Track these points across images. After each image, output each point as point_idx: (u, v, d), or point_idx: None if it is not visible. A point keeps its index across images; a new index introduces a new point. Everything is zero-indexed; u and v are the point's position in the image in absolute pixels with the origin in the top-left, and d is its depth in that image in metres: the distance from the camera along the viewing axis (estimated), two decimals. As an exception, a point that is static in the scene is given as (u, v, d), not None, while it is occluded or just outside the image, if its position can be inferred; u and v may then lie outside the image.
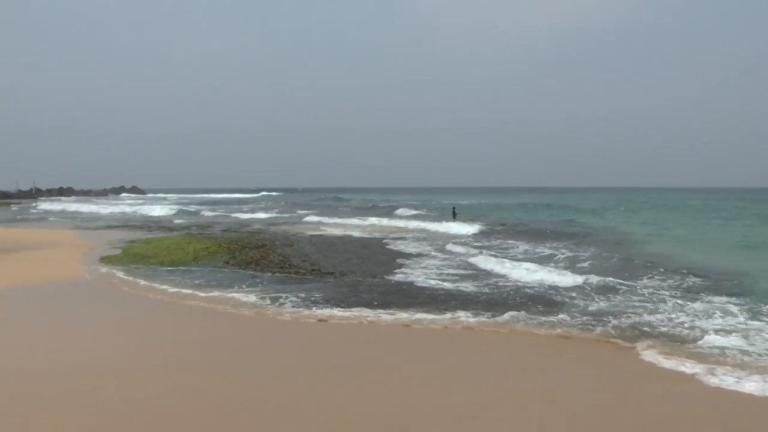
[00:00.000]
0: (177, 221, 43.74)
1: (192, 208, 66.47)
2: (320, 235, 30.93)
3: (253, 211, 58.83)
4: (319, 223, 41.59)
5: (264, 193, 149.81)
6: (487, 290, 15.18)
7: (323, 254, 22.28)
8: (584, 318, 12.06)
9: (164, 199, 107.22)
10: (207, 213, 57.31)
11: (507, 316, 12.15)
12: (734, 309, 12.56)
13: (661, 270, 17.76)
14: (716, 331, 10.82)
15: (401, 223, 39.68)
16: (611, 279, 16.43)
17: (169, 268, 18.70)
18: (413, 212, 54.82)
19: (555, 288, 15.37)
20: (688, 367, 8.83)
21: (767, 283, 15.38)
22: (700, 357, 9.40)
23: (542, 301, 13.83)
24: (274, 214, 53.24)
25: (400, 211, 55.80)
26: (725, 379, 8.31)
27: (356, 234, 32.28)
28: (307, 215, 49.53)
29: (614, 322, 11.72)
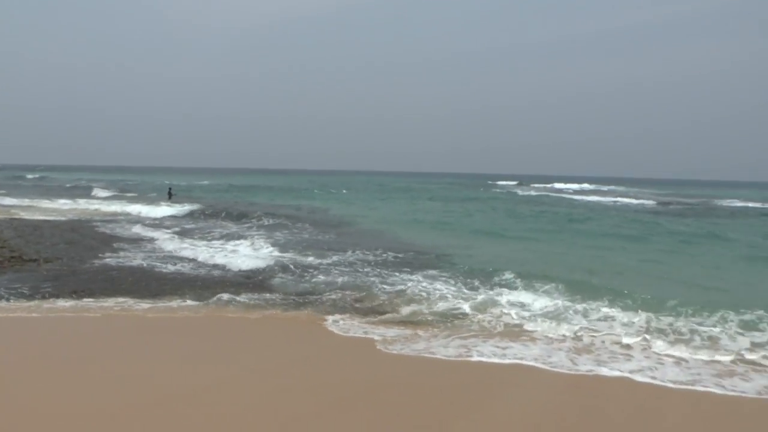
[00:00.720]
0: None
1: None
2: (20, 218, 27.80)
3: None
4: (11, 204, 36.87)
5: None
6: (196, 273, 14.71)
7: (25, 239, 20.01)
8: (288, 296, 12.20)
9: None
10: None
11: (215, 299, 11.84)
12: (431, 280, 13.59)
13: (364, 247, 18.69)
14: (414, 301, 11.65)
15: (112, 206, 37.16)
16: (316, 257, 16.86)
17: None
18: (112, 192, 51.49)
19: (260, 269, 15.30)
20: (380, 336, 9.27)
21: (459, 257, 17.09)
22: (395, 325, 10.04)
23: (248, 282, 13.81)
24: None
25: (98, 192, 51.79)
26: (416, 346, 8.82)
27: (59, 217, 29.35)
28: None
29: (318, 298, 12.04)
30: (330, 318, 10.66)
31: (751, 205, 52.39)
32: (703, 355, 8.82)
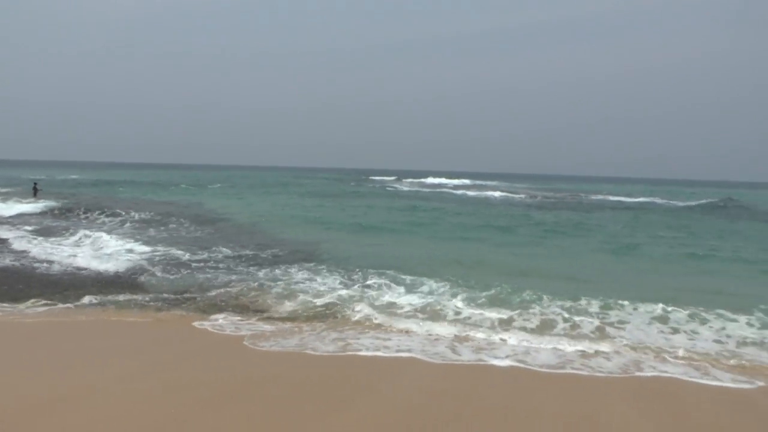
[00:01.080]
0: None
1: None
2: None
3: None
4: None
5: None
6: (63, 274, 13.79)
7: None
8: (160, 295, 11.70)
9: None
10: None
11: (85, 300, 11.12)
12: (307, 275, 13.47)
13: (240, 243, 18.39)
14: (289, 297, 11.48)
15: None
16: (190, 254, 16.30)
17: None
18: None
19: (131, 268, 14.52)
20: (256, 333, 9.07)
21: (334, 252, 17.06)
22: (271, 322, 9.95)
23: (118, 281, 13.09)
24: None
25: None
26: (291, 342, 8.71)
27: None
28: None
29: (192, 296, 11.66)
30: (204, 316, 10.31)
31: (611, 198, 56.44)
32: (570, 339, 9.31)
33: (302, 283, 12.88)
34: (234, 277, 13.49)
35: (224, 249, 17.28)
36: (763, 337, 9.53)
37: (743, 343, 9.36)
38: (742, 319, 10.43)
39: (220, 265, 14.87)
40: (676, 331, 9.87)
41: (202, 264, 15.01)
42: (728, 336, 9.63)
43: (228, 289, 12.35)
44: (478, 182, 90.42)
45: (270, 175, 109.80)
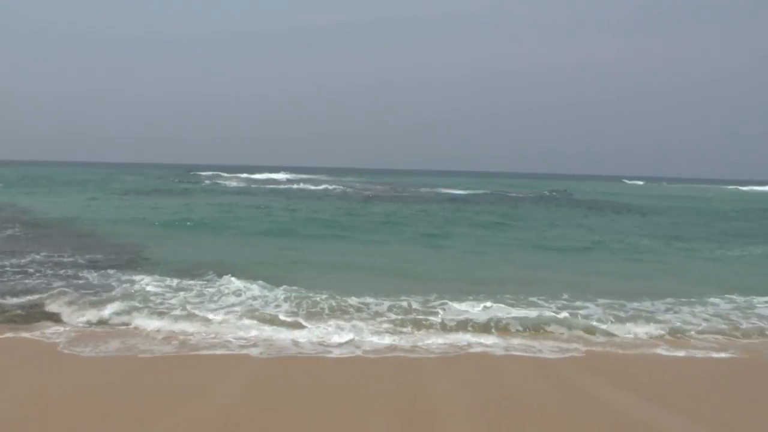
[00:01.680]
0: None
1: None
2: None
3: None
4: None
5: None
6: None
7: None
8: None
9: None
10: None
11: None
12: (131, 277, 12.83)
13: (51, 247, 17.02)
14: (111, 301, 10.83)
15: None
16: None
17: None
18: None
19: None
20: (75, 339, 8.61)
21: (158, 253, 16.52)
22: (92, 326, 9.48)
23: None
24: None
25: None
26: (112, 346, 8.35)
27: None
28: None
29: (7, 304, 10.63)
30: (12, 327, 9.41)
31: (443, 190, 59.22)
32: (399, 326, 9.77)
33: (121, 286, 12.17)
34: (47, 282, 12.44)
35: (36, 253, 15.83)
36: (574, 314, 10.54)
37: (553, 320, 10.24)
38: (551, 300, 11.51)
39: (30, 270, 13.64)
40: (495, 308, 10.65)
41: (9, 269, 13.70)
42: (534, 312, 10.56)
43: (41, 295, 11.32)
44: (309, 176, 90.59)
45: (87, 171, 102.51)
